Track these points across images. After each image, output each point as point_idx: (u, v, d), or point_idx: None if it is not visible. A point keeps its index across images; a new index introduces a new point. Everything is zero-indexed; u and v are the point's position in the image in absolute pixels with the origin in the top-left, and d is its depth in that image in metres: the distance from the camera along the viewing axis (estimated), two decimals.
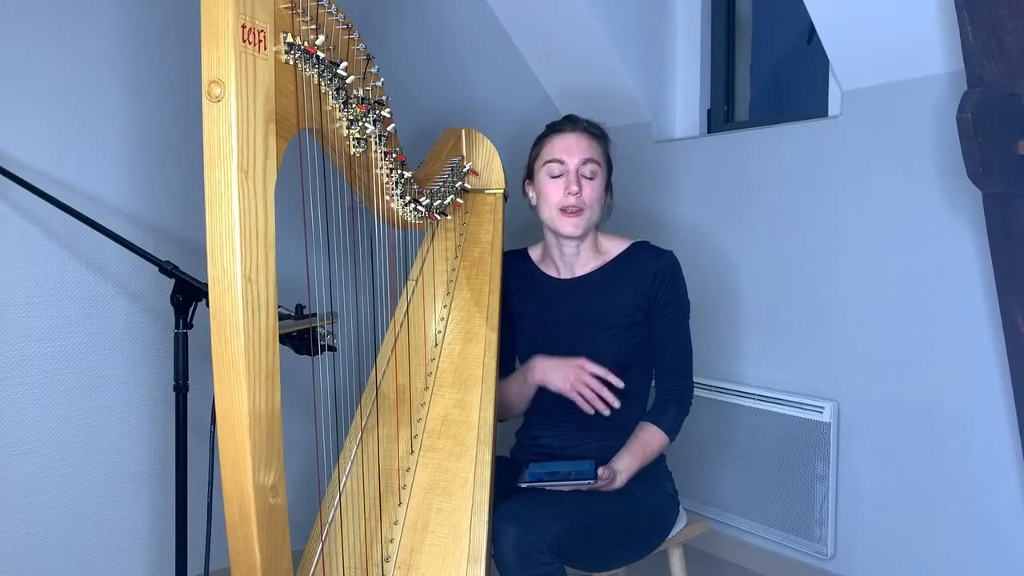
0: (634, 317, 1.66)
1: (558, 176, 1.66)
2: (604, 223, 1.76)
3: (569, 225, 1.65)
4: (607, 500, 1.54)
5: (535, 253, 1.82)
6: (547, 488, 1.52)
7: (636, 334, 1.67)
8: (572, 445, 1.68)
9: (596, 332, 1.66)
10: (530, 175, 1.74)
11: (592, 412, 1.59)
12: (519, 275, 1.78)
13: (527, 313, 1.75)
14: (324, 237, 1.69)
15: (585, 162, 1.65)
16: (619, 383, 1.59)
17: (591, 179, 1.66)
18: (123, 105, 2.11)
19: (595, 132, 1.69)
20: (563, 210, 1.65)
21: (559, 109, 2.92)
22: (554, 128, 1.70)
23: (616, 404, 1.59)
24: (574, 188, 1.63)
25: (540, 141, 1.71)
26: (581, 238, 1.69)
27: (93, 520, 2.11)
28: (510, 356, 1.77)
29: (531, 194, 1.74)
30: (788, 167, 2.34)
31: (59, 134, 2.02)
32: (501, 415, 1.70)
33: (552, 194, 1.66)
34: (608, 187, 1.72)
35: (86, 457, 2.10)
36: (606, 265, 1.72)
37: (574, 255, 1.72)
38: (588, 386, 1.59)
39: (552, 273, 1.76)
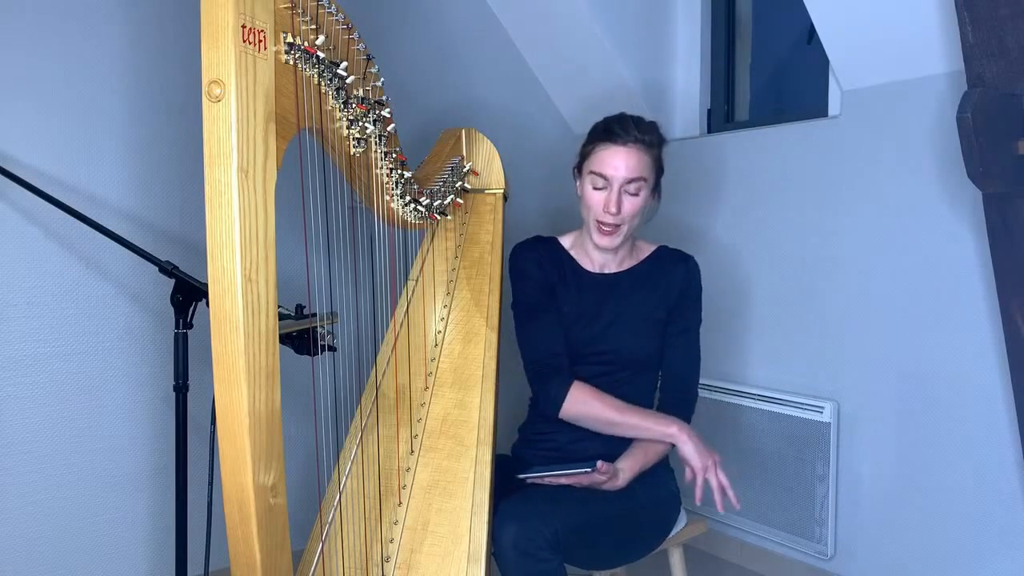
0: (659, 315, 1.68)
1: (601, 188, 1.62)
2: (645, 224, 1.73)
3: (604, 240, 1.65)
4: (608, 498, 1.54)
5: (567, 241, 1.77)
6: (545, 479, 1.52)
7: (661, 333, 1.69)
8: (575, 441, 1.67)
9: (633, 330, 1.67)
10: (580, 168, 1.69)
11: (698, 503, 1.59)
12: (556, 263, 1.73)
13: (565, 302, 1.70)
14: (324, 237, 1.69)
15: (630, 181, 1.61)
16: (736, 505, 1.59)
17: (635, 195, 1.62)
18: (123, 105, 2.11)
19: (648, 141, 1.62)
20: (600, 223, 1.64)
21: (559, 109, 2.92)
22: (608, 134, 1.62)
23: (736, 506, 1.60)
24: (613, 208, 1.60)
25: (593, 143, 1.64)
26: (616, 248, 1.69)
27: (93, 520, 2.11)
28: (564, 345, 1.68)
29: (578, 184, 1.70)
30: (788, 167, 2.34)
31: (59, 134, 2.02)
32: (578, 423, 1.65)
33: (593, 204, 1.64)
34: (655, 191, 1.68)
35: (86, 457, 2.09)
36: (640, 264, 1.73)
37: (612, 252, 1.71)
38: (716, 480, 1.58)
39: (587, 265, 1.74)
